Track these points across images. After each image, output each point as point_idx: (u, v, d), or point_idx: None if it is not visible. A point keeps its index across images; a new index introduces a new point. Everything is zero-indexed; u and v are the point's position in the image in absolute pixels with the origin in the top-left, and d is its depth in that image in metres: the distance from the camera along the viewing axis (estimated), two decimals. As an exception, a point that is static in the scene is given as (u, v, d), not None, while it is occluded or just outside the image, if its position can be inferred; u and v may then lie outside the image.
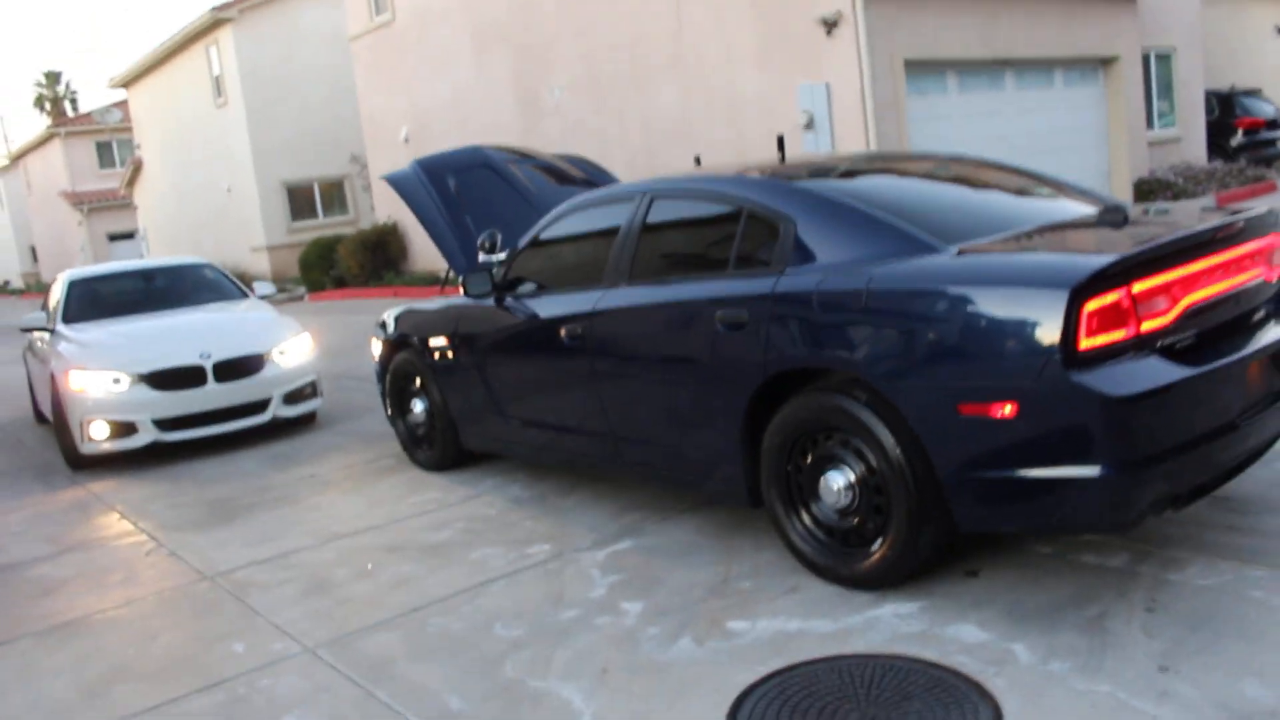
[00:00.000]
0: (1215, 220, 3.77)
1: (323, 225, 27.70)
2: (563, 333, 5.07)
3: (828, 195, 4.18)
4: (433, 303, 6.47)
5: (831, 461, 3.97)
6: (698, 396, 4.44)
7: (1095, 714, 2.99)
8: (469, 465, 6.49)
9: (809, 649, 3.57)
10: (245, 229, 28.76)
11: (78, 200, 43.67)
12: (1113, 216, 3.99)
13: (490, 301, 5.70)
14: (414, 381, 6.58)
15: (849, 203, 4.08)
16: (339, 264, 22.35)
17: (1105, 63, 16.18)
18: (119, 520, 6.41)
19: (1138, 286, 3.37)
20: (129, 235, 41.43)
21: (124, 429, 7.65)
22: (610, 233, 5.02)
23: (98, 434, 7.65)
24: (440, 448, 6.42)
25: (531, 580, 4.52)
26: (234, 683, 3.88)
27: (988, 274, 3.52)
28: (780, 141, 5.26)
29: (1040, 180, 4.91)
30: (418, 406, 6.57)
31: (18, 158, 52.20)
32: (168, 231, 34.62)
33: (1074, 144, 15.53)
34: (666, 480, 4.91)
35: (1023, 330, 3.33)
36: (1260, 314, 4.03)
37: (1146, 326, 3.39)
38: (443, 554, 5.00)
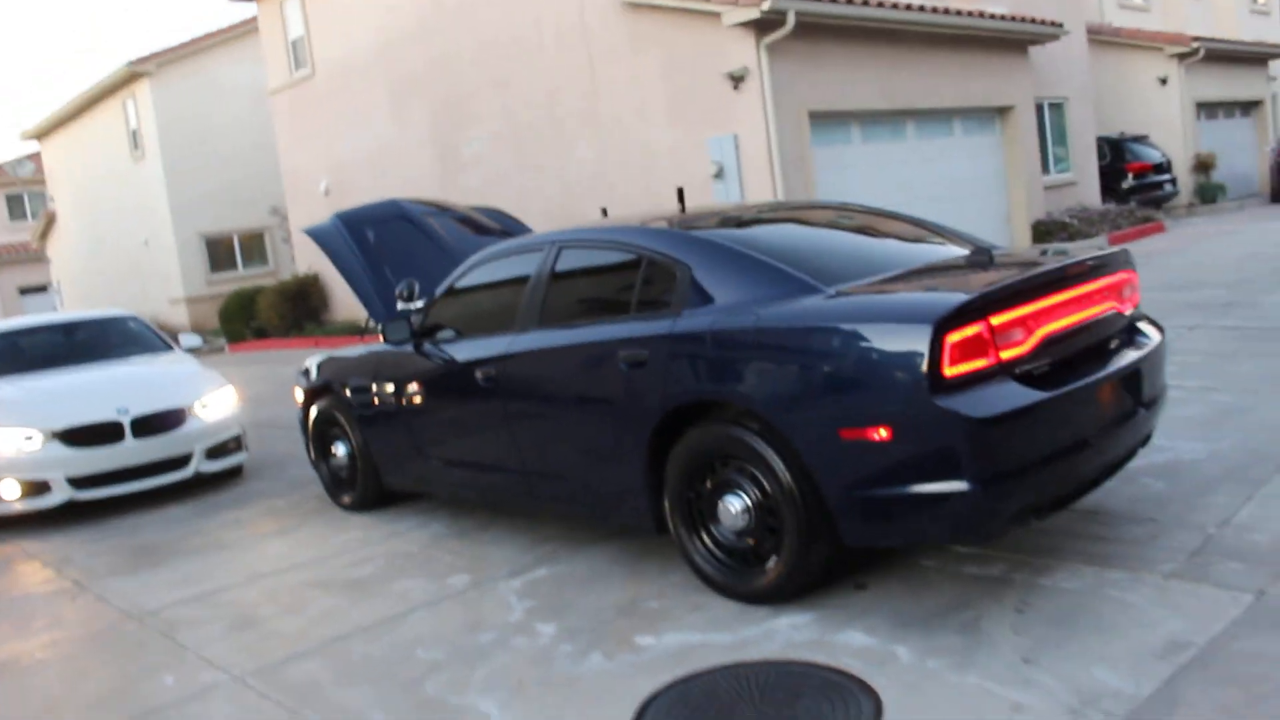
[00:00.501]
0: (1066, 260, 4.19)
1: (242, 277, 27.59)
2: (478, 375, 5.34)
3: (720, 243, 4.53)
4: (354, 350, 6.69)
5: (729, 487, 4.28)
6: (605, 431, 4.73)
7: (964, 702, 3.32)
8: (391, 505, 6.70)
9: (710, 658, 3.85)
10: (163, 281, 28.51)
11: (-14, 255, 42.81)
12: (980, 257, 4.39)
13: (409, 348, 5.95)
14: (336, 426, 6.78)
15: (739, 249, 4.44)
16: (259, 315, 22.30)
17: (1001, 112, 16.98)
18: (41, 569, 6.48)
19: (996, 319, 3.74)
20: (42, 289, 40.68)
21: (36, 488, 7.45)
22: (521, 280, 5.31)
23: (8, 494, 7.44)
24: (362, 489, 6.62)
25: (451, 608, 4.76)
26: (166, 711, 4.05)
27: (861, 312, 3.88)
28: (680, 193, 5.63)
29: (920, 225, 5.32)
30: (340, 450, 6.77)
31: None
32: (83, 284, 34.11)
33: (974, 190, 16.24)
34: (578, 512, 5.18)
35: (893, 361, 3.68)
36: (1114, 343, 4.45)
37: (1005, 355, 3.77)
38: (366, 588, 5.21)
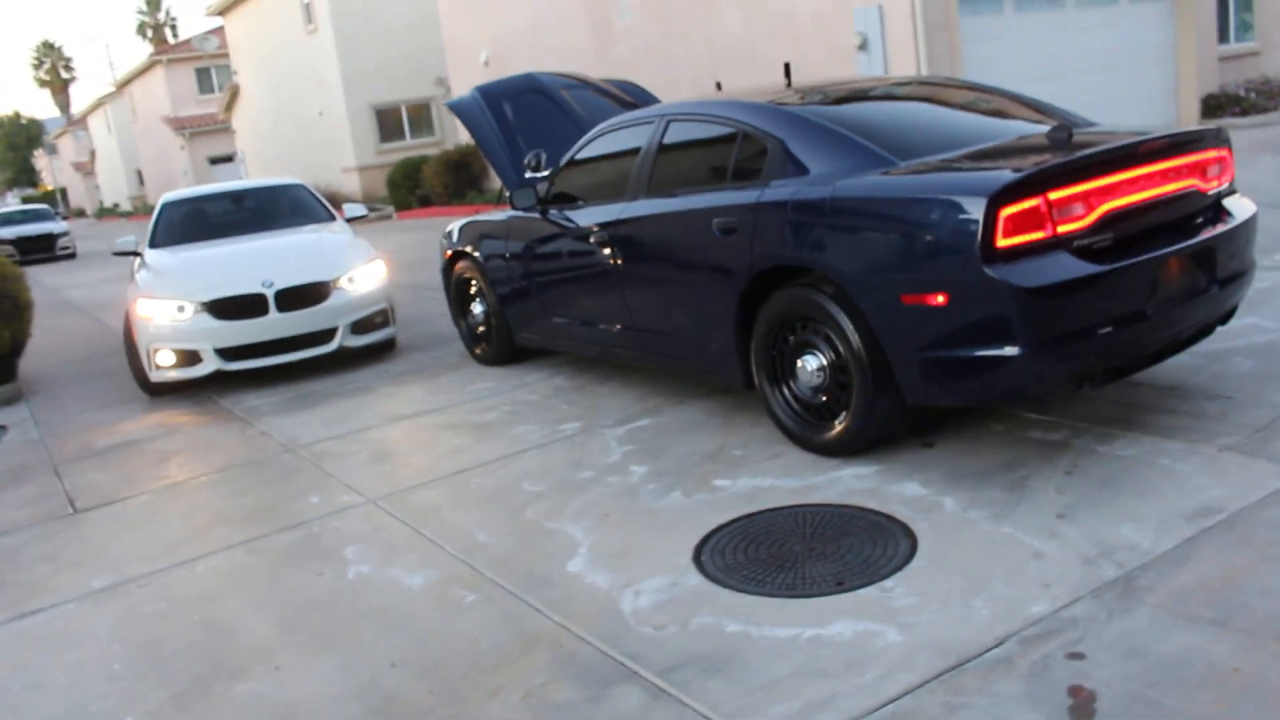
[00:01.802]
0: (1138, 138, 4.29)
1: (410, 146, 28.64)
2: (594, 240, 5.79)
3: (808, 118, 4.79)
4: (491, 216, 7.21)
5: (806, 347, 4.65)
6: (702, 293, 5.12)
7: (992, 548, 3.65)
8: (523, 360, 7.30)
9: (776, 500, 4.28)
10: (336, 150, 29.84)
11: (179, 125, 45.37)
12: (1058, 134, 4.52)
13: (535, 214, 6.43)
14: (473, 286, 7.37)
15: (825, 124, 4.69)
16: (424, 184, 23.26)
17: (1177, -24, 16.07)
18: (217, 408, 7.35)
19: (1054, 194, 3.93)
20: (229, 158, 43.00)
21: (189, 357, 7.60)
22: (634, 152, 5.69)
23: (164, 362, 7.64)
24: (496, 345, 7.23)
25: (559, 450, 5.31)
26: (309, 524, 4.76)
27: (925, 185, 4.12)
28: (787, 68, 5.85)
29: (1021, 102, 5.41)
30: (477, 309, 7.37)
31: (123, 85, 54.18)
32: (264, 154, 35.97)
33: (1137, 61, 15.52)
34: (680, 367, 5.63)
35: (951, 231, 3.93)
36: (1198, 219, 4.54)
37: (1062, 229, 3.96)
38: (489, 430, 5.81)
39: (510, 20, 20.61)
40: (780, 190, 4.61)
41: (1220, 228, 4.52)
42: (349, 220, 9.48)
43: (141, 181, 54.94)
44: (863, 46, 12.75)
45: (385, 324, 8.23)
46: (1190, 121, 15.94)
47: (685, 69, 15.71)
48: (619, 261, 5.64)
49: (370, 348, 8.22)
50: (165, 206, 9.50)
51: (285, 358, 7.78)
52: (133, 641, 3.84)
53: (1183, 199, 4.45)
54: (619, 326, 5.85)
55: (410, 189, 23.91)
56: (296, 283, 7.73)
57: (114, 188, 61.80)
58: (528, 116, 7.70)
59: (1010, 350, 3.91)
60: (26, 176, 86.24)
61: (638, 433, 5.42)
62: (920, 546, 3.73)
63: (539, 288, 6.52)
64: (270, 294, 7.63)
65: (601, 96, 8.12)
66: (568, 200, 6.22)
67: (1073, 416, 4.79)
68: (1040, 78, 13.65)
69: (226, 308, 7.59)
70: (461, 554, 4.18)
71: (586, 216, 5.95)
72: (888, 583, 3.49)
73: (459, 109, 7.79)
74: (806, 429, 4.73)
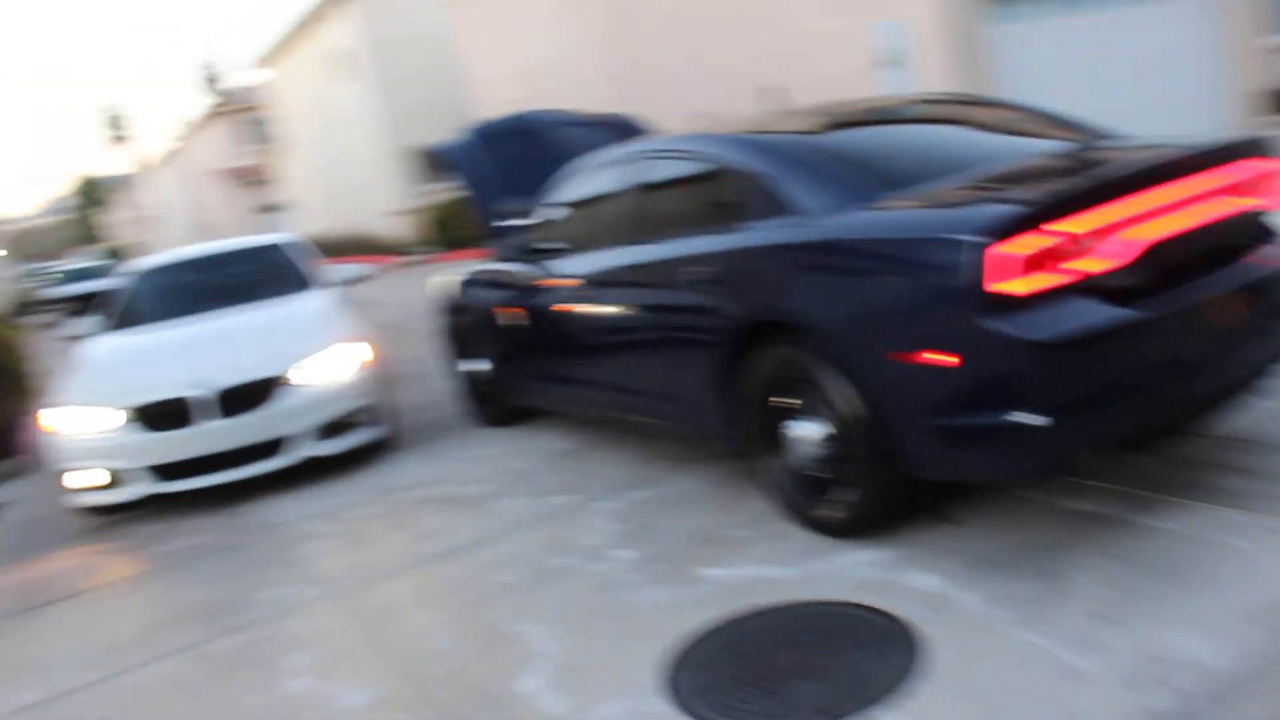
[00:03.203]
0: (1169, 152, 3.67)
1: (452, 188, 28.43)
2: (575, 292, 5.30)
3: (791, 151, 4.23)
4: (483, 267, 6.72)
5: (800, 412, 4.04)
6: (684, 349, 4.57)
7: (1015, 662, 3.02)
8: (526, 420, 6.72)
9: (770, 594, 3.68)
10: (378, 195, 29.77)
11: (232, 177, 45.98)
12: (1080, 154, 3.92)
13: (522, 265, 5.94)
14: (472, 342, 6.85)
15: (809, 158, 4.12)
16: (463, 226, 22.99)
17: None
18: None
19: (1064, 227, 3.29)
20: (278, 207, 43.32)
21: (115, 478, 6.10)
22: (614, 194, 5.20)
23: (81, 484, 6.15)
24: (495, 406, 6.71)
25: (540, 530, 4.77)
26: (259, 625, 4.31)
27: (913, 224, 3.54)
28: (771, 95, 5.31)
29: (1033, 116, 4.78)
30: (476, 366, 6.84)
31: (179, 141, 55.08)
32: (312, 200, 36.15)
33: (1179, 62, 14.52)
34: (675, 431, 5.07)
35: (944, 278, 3.33)
36: (1245, 247, 3.88)
37: (1085, 267, 3.31)
38: (473, 506, 5.30)
39: (532, 57, 20.31)
40: (763, 234, 4.04)
41: (1272, 254, 3.87)
42: (350, 281, 8.00)
43: (200, 234, 55.65)
44: (889, 63, 12.11)
45: (369, 421, 6.56)
46: (1241, 121, 14.98)
47: (707, 96, 15.13)
48: (599, 315, 5.13)
49: (351, 454, 6.50)
50: (138, 278, 8.05)
51: (234, 474, 6.16)
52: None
53: (1232, 222, 3.77)
54: (605, 386, 5.32)
55: (451, 230, 23.70)
56: (240, 380, 6.13)
57: (172, 241, 62.68)
58: (522, 157, 7.23)
59: (1023, 416, 3.28)
60: (89, 235, 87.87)
61: (633, 507, 4.84)
62: (928, 660, 3.11)
63: (529, 345, 6.01)
64: (210, 395, 6.06)
65: (597, 132, 7.62)
66: (552, 249, 5.71)
67: (1119, 480, 4.08)
68: (1078, 87, 12.83)
69: (157, 415, 6.04)
70: (409, 667, 3.67)
71: (569, 267, 5.46)
72: (880, 712, 2.90)
73: (448, 153, 7.32)
74: (808, 506, 4.12)
